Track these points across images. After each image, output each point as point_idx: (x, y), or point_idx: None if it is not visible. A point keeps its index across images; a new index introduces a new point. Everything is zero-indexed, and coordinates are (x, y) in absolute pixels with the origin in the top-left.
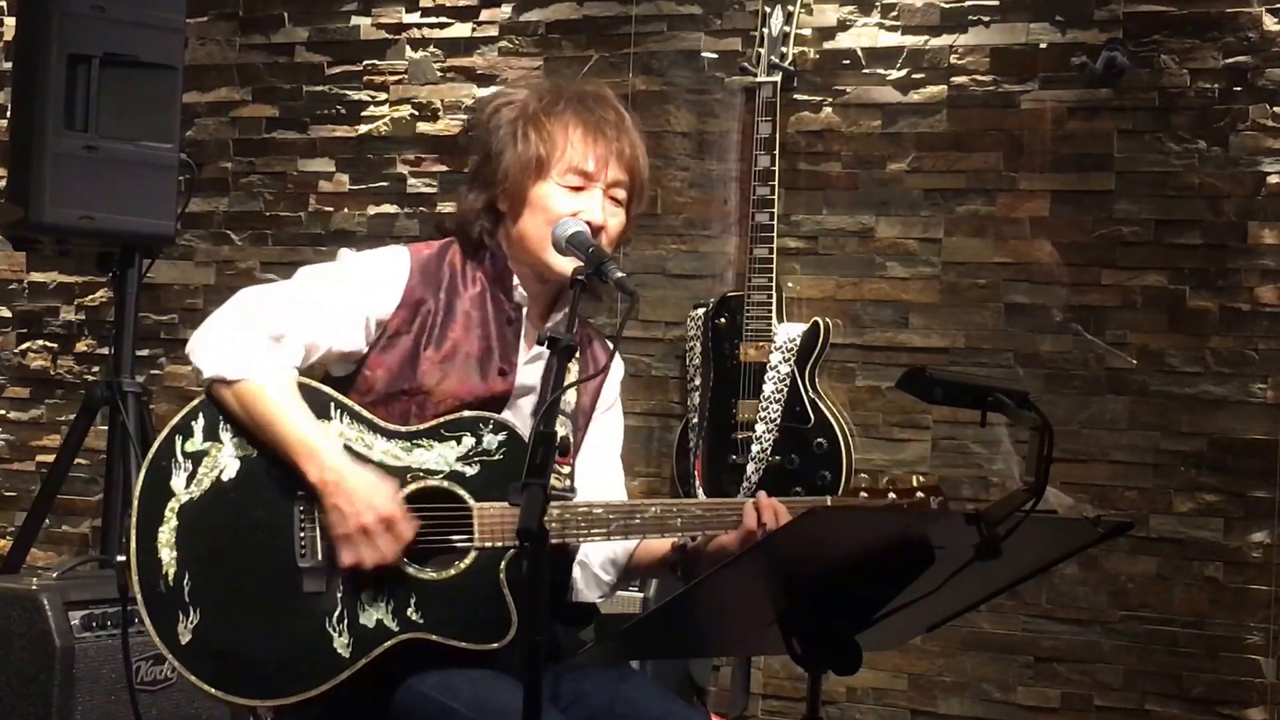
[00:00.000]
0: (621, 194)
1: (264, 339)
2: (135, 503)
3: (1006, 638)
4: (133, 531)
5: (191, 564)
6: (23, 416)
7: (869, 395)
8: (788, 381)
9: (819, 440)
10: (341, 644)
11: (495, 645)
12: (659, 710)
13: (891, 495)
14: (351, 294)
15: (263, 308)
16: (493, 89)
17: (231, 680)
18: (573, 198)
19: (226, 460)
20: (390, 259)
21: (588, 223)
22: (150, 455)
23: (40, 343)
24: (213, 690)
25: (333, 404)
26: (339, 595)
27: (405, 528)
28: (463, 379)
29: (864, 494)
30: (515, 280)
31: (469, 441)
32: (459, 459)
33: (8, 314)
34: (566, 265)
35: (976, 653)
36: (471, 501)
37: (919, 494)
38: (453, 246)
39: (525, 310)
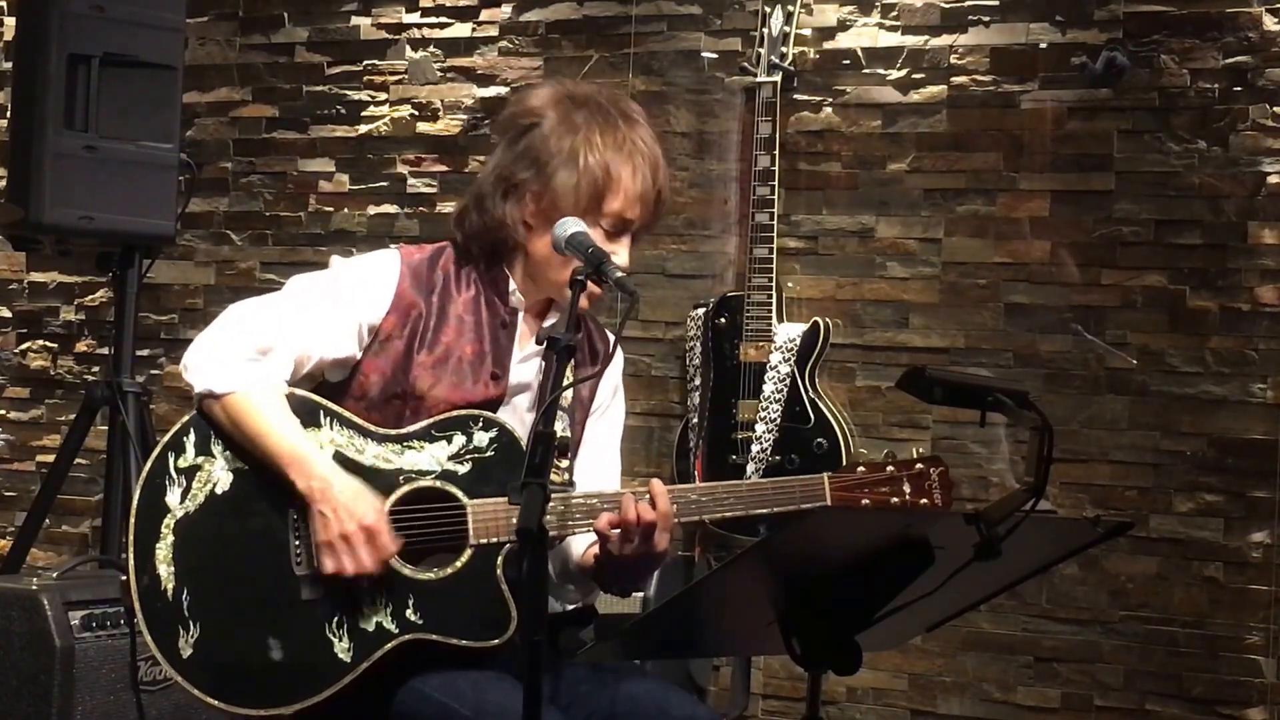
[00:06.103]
0: (639, 226)
1: (252, 352)
2: (132, 521)
3: (1006, 638)
4: (130, 550)
5: (189, 578)
6: (23, 416)
7: (869, 395)
8: (788, 381)
9: (819, 440)
10: (342, 649)
11: (496, 642)
12: (657, 706)
13: (890, 468)
14: (342, 302)
15: (251, 321)
16: (493, 89)
17: (235, 692)
18: (607, 240)
19: (219, 474)
20: (381, 263)
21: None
22: (144, 474)
23: (40, 343)
24: (217, 703)
25: (322, 411)
26: (337, 601)
27: (387, 540)
28: (455, 384)
29: (862, 468)
30: (511, 285)
31: (460, 440)
32: (450, 458)
33: (8, 314)
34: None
35: (976, 653)
36: (465, 499)
37: (918, 465)
38: (446, 250)
39: (521, 314)
